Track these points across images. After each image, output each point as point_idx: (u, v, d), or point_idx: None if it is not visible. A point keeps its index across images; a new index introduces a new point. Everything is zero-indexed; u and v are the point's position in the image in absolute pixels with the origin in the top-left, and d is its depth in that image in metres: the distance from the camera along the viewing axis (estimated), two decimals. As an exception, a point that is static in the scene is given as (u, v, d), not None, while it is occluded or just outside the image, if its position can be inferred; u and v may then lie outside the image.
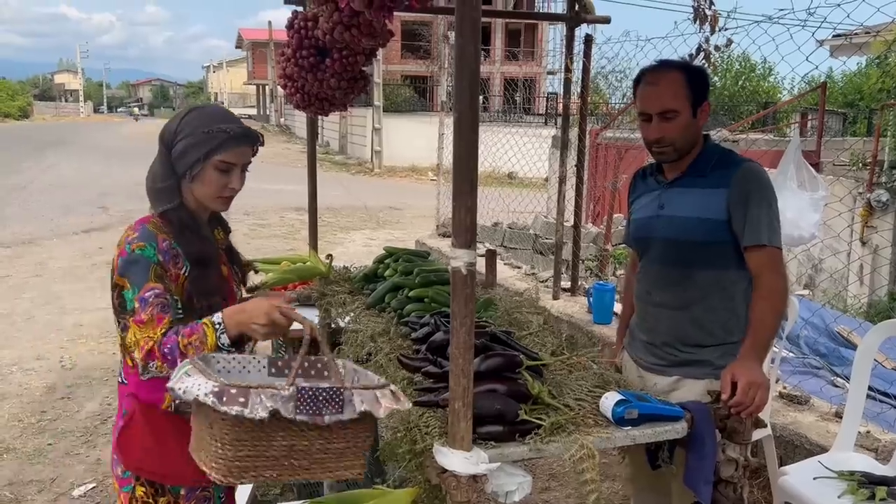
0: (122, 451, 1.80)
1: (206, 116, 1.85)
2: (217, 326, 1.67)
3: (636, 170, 2.56)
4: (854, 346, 4.16)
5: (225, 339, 1.67)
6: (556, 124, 18.30)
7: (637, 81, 2.29)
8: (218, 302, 1.85)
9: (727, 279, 2.22)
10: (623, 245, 7.67)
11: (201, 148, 1.80)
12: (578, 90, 4.89)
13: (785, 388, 3.66)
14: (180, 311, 1.78)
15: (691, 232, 2.21)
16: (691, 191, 2.24)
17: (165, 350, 1.65)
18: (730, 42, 3.59)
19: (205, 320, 1.69)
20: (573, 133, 5.06)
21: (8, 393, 5.03)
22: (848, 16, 3.60)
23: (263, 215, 13.03)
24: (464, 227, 1.52)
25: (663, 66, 2.31)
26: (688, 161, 2.26)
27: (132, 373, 1.80)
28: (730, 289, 2.23)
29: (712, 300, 2.23)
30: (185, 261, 1.81)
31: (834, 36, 5.22)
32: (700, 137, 2.27)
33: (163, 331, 1.68)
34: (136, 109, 78.16)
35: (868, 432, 3.12)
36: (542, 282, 5.70)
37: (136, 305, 1.68)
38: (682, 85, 2.17)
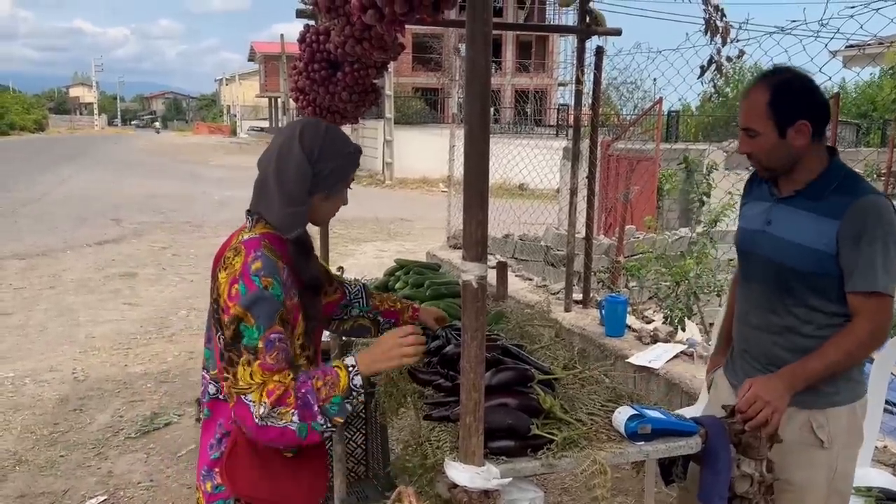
0: (232, 480, 1.77)
1: (341, 136, 1.86)
2: (350, 369, 1.70)
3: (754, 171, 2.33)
4: (870, 360, 4.11)
5: (358, 381, 1.69)
6: (567, 136, 18.30)
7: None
8: (314, 326, 1.85)
9: (828, 311, 2.04)
10: (635, 258, 7.65)
11: (347, 169, 1.85)
12: (589, 101, 4.89)
13: (800, 401, 3.62)
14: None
15: (794, 258, 2.04)
16: (803, 213, 2.04)
17: (301, 394, 1.64)
18: (742, 53, 3.58)
19: (336, 363, 1.72)
20: (584, 144, 5.05)
21: (21, 405, 5.05)
22: (861, 27, 3.58)
23: (275, 227, 13.07)
24: (474, 241, 1.52)
25: (758, 79, 2.11)
26: (807, 179, 2.05)
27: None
28: (830, 321, 2.04)
29: (809, 330, 2.06)
30: (295, 289, 1.77)
31: (847, 47, 5.20)
32: (818, 156, 2.05)
33: (292, 378, 1.66)
34: (157, 124, 79.48)
35: (885, 447, 3.08)
36: (554, 294, 5.68)
37: (261, 346, 1.63)
38: (764, 105, 2.00)
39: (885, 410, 2.99)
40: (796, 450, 1.96)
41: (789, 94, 2.01)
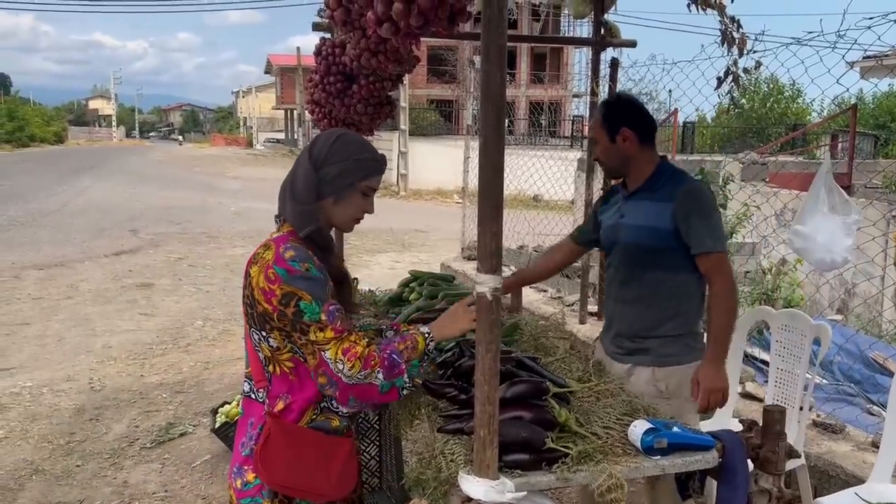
0: (266, 469, 1.83)
1: (355, 144, 1.95)
2: (427, 335, 1.88)
3: (610, 186, 3.00)
4: (890, 373, 4.06)
5: (432, 346, 1.88)
6: (581, 147, 18.28)
7: None
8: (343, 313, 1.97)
9: (673, 280, 2.58)
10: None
11: (353, 174, 1.91)
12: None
13: (819, 416, 3.58)
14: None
15: (642, 237, 2.60)
16: (645, 203, 2.62)
17: (386, 355, 1.79)
18: (759, 65, 3.56)
19: (412, 330, 1.91)
20: (599, 156, 5.03)
21: (38, 414, 5.09)
22: (879, 38, 3.55)
23: (290, 238, 13.12)
24: (489, 253, 1.52)
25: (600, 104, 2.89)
26: (643, 177, 2.66)
27: (272, 390, 1.86)
28: (675, 289, 2.59)
29: (658, 298, 2.60)
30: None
31: (864, 58, 5.16)
32: (649, 159, 2.66)
33: (366, 341, 1.81)
34: (180, 137, 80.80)
35: (906, 463, 3.03)
36: (569, 306, 5.66)
37: (324, 318, 1.76)
38: (599, 119, 2.70)
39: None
40: (647, 401, 2.22)
41: (613, 110, 2.71)
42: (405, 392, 1.84)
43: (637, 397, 2.14)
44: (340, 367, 1.74)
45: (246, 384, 1.95)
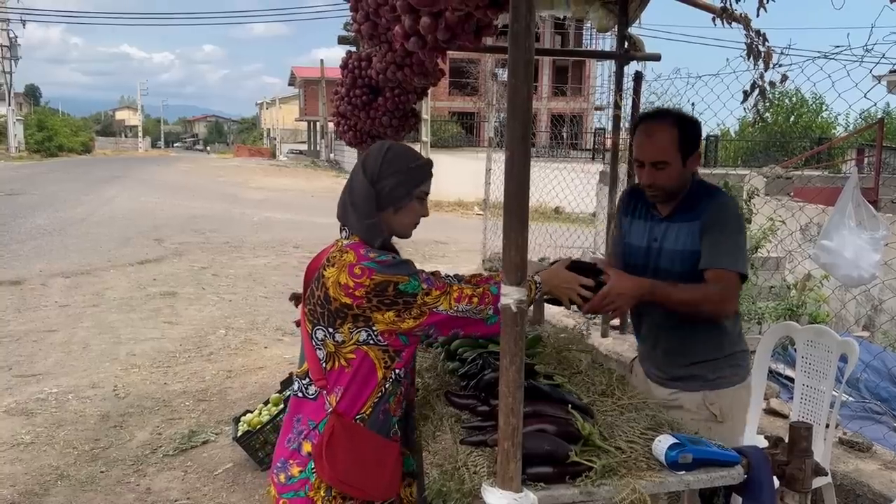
0: (330, 466, 1.88)
1: (405, 153, 2.02)
2: (538, 284, 2.01)
3: (629, 188, 2.77)
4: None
5: (539, 295, 2.03)
6: (603, 159, 18.23)
7: (635, 127, 2.51)
8: None
9: None
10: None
11: (409, 183, 2.00)
12: (627, 126, 4.88)
13: (845, 433, 3.53)
14: None
15: (686, 263, 2.39)
16: (683, 226, 2.42)
17: (498, 293, 1.86)
18: (785, 78, 3.54)
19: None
20: (622, 169, 5.03)
21: (64, 420, 5.15)
22: (907, 52, 3.52)
23: (314, 248, 13.15)
24: (514, 265, 1.52)
25: (659, 116, 2.46)
26: (679, 197, 2.44)
27: (329, 386, 1.92)
28: None
29: (699, 321, 2.40)
30: None
31: (892, 72, 5.12)
32: (689, 178, 2.45)
33: (471, 285, 1.92)
34: (208, 147, 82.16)
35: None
36: (591, 318, 5.63)
37: (425, 286, 1.86)
38: (675, 139, 2.35)
39: None
40: (702, 426, 2.24)
41: (691, 130, 2.39)
42: None
43: (661, 412, 2.13)
44: (458, 308, 1.85)
45: (296, 383, 2.00)
